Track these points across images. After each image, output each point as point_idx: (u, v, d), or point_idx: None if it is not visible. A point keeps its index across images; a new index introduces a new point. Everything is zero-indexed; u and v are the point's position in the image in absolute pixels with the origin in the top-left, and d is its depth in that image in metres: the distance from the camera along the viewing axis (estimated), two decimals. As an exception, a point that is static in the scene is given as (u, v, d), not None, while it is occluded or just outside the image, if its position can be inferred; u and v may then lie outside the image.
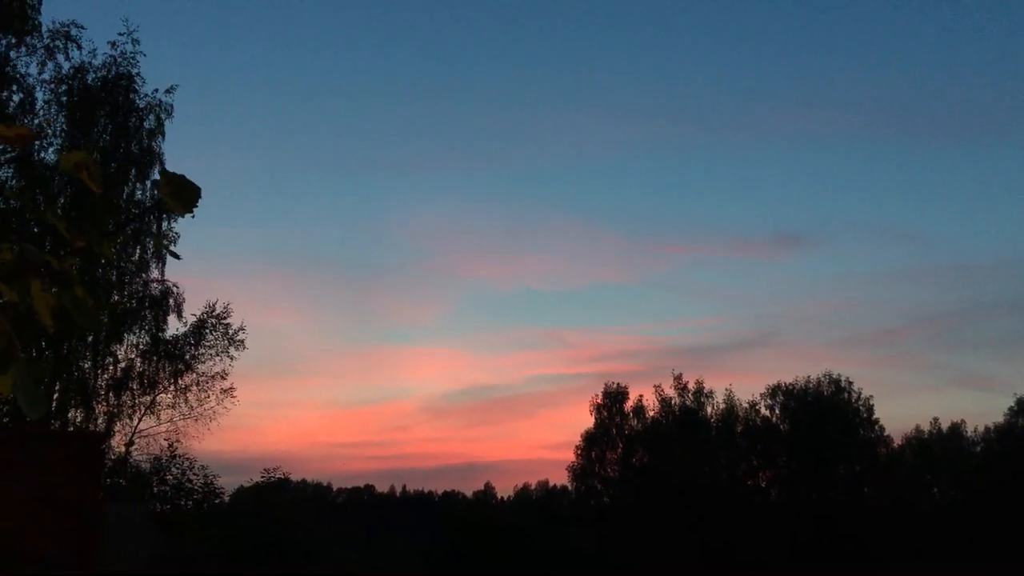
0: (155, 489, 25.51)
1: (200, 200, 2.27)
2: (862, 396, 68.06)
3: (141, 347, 26.41)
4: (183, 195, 2.28)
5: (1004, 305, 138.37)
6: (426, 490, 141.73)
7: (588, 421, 69.48)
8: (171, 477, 25.85)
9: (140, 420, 26.53)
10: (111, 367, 25.99)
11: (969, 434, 75.13)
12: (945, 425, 75.40)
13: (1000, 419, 71.18)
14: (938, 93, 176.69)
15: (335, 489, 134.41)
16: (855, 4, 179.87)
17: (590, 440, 68.60)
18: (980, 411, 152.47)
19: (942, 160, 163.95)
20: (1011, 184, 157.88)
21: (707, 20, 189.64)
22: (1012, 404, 69.47)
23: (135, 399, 26.34)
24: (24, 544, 8.93)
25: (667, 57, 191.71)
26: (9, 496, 9.20)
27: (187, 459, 26.27)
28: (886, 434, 69.46)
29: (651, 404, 68.27)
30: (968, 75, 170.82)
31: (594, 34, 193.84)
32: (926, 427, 75.68)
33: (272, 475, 29.88)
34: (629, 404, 69.03)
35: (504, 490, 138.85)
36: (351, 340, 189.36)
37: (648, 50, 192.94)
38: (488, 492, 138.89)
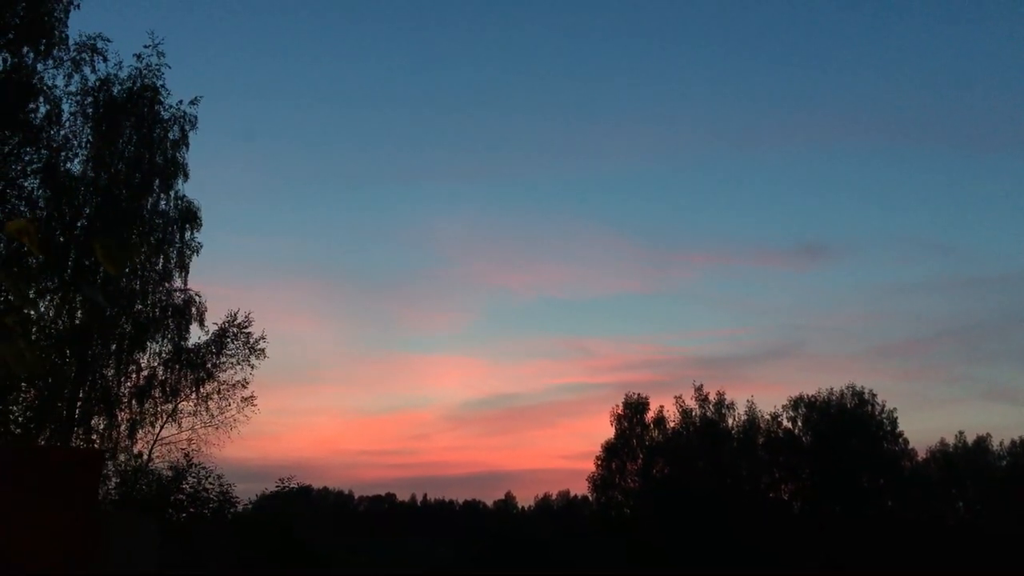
0: (171, 498, 25.71)
1: (131, 260, 2.41)
2: (886, 409, 67.59)
3: (164, 355, 26.69)
4: (116, 256, 2.41)
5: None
6: (447, 499, 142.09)
7: (609, 431, 69.53)
8: (187, 486, 26.06)
9: (162, 428, 26.82)
10: (134, 375, 26.30)
11: (995, 448, 74.37)
12: (971, 438, 74.69)
13: (1026, 432, 70.31)
14: (965, 103, 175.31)
15: (356, 497, 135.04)
16: (885, 14, 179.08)
17: (610, 451, 68.52)
18: (1007, 424, 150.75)
19: (969, 170, 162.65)
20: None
21: (732, 31, 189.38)
22: (1038, 418, 68.62)
23: (157, 407, 26.62)
24: (11, 567, 8.99)
25: (690, 68, 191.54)
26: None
27: (203, 468, 26.50)
28: (910, 447, 68.96)
29: (672, 415, 68.19)
30: (996, 85, 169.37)
31: (617, 45, 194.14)
32: (951, 440, 75.03)
33: (287, 484, 30.03)
34: (650, 415, 69.00)
35: (525, 500, 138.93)
36: (372, 348, 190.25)
37: (671, 61, 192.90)
38: (509, 502, 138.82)
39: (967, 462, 72.47)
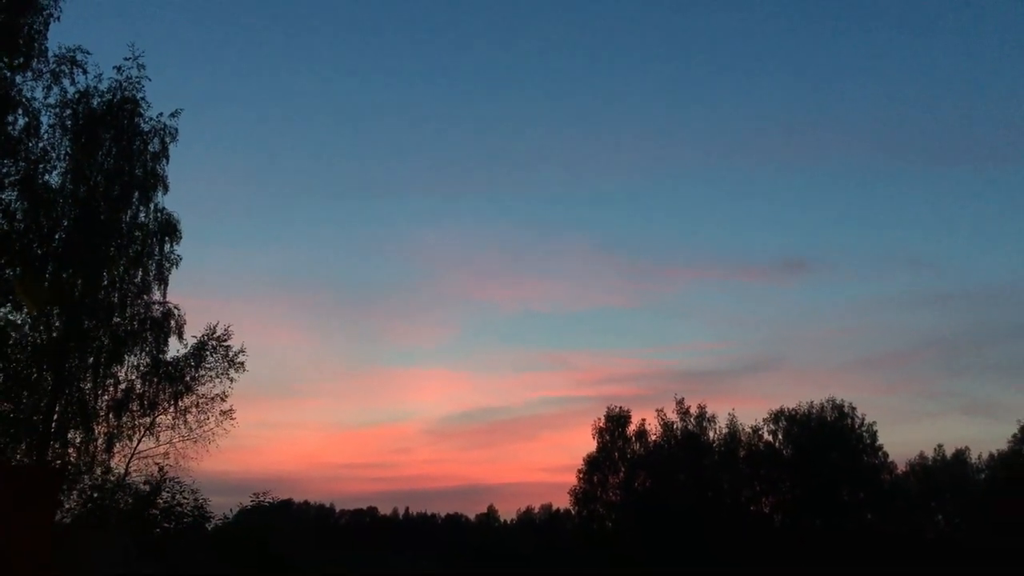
0: (146, 512, 25.55)
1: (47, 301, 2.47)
2: (865, 422, 68.04)
3: (142, 368, 26.52)
4: (35, 295, 2.49)
5: (1010, 331, 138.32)
6: (429, 512, 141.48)
7: (591, 444, 69.55)
8: (161, 501, 25.91)
9: (139, 442, 26.66)
10: (111, 388, 26.11)
11: (974, 461, 74.91)
12: (949, 452, 75.25)
13: (1004, 446, 70.88)
14: (944, 121, 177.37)
15: (338, 511, 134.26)
16: (863, 33, 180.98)
17: (592, 464, 68.57)
18: (985, 437, 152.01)
19: (948, 186, 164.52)
20: (1019, 212, 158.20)
21: (715, 49, 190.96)
22: (1016, 431, 69.17)
23: (135, 420, 26.43)
24: None
25: (677, 85, 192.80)
26: None
27: (177, 482, 26.36)
28: (890, 460, 69.39)
29: (653, 428, 68.35)
30: (975, 104, 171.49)
31: (603, 62, 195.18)
32: (930, 454, 75.55)
33: (262, 499, 29.90)
34: (632, 428, 69.10)
35: (507, 513, 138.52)
36: (354, 361, 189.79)
37: (657, 78, 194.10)
38: (491, 515, 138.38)
39: (946, 476, 72.97)
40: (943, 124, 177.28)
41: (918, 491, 71.96)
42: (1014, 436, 69.33)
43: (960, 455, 74.88)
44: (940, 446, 75.55)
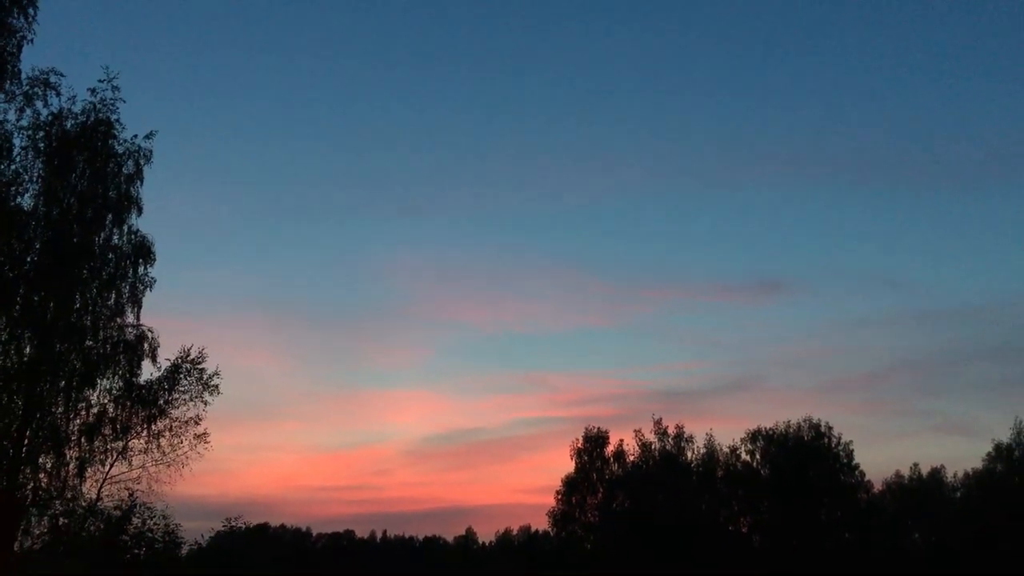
0: (116, 539, 25.16)
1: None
2: (842, 441, 68.32)
3: (114, 392, 26.14)
4: None
5: (984, 351, 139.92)
6: (407, 535, 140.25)
7: (569, 465, 69.22)
8: (132, 527, 25.54)
9: (112, 466, 26.26)
10: (84, 412, 25.73)
11: (949, 479, 75.44)
12: (925, 470, 75.74)
13: (979, 465, 71.42)
14: (920, 146, 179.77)
15: (315, 535, 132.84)
16: (840, 60, 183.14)
17: (571, 485, 68.27)
18: (960, 456, 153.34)
19: (923, 209, 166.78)
20: (991, 232, 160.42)
21: (692, 73, 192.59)
22: (990, 450, 69.71)
23: (107, 445, 26.04)
24: None
25: (653, 108, 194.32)
26: None
27: (148, 507, 26.00)
28: (867, 479, 69.74)
29: (631, 448, 68.23)
30: (949, 128, 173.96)
31: (580, 86, 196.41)
32: (906, 472, 75.97)
33: (234, 524, 29.54)
34: (610, 449, 68.91)
35: (486, 535, 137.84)
36: (331, 383, 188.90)
37: (633, 101, 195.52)
38: (470, 538, 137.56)
39: (922, 494, 73.38)
40: (919, 148, 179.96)
41: (895, 509, 72.28)
42: (988, 454, 69.94)
43: (936, 474, 75.42)
44: (916, 465, 76.16)
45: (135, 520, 25.66)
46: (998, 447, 69.14)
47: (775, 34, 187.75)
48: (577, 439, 69.23)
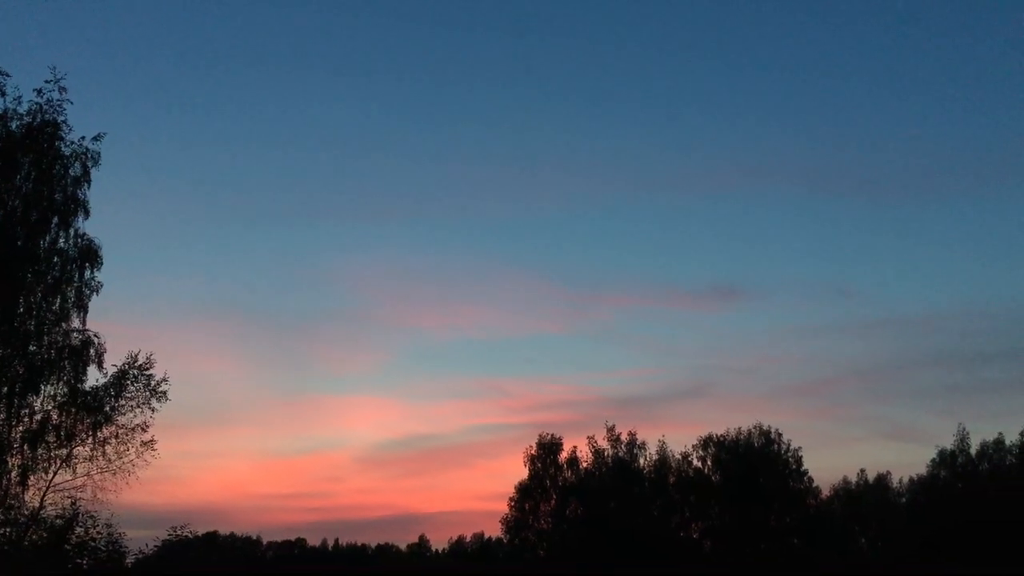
0: (60, 548, 24.66)
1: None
2: (791, 447, 69.14)
3: (59, 398, 25.63)
4: None
5: (930, 358, 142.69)
6: (359, 543, 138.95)
7: (523, 472, 69.13)
8: (74, 536, 25.06)
9: (55, 474, 25.74)
10: (26, 419, 25.19)
11: (895, 485, 76.80)
12: (872, 476, 77.01)
13: (924, 471, 72.78)
14: (871, 160, 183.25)
15: (265, 543, 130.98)
16: (793, 67, 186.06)
17: (524, 492, 68.22)
18: (906, 462, 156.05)
19: (875, 220, 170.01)
20: (938, 244, 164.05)
21: (651, 82, 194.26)
22: (935, 456, 71.10)
23: (51, 452, 25.53)
24: None
25: (610, 117, 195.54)
26: None
27: (91, 516, 25.53)
28: (815, 485, 70.69)
29: (585, 455, 68.36)
30: (901, 141, 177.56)
31: (539, 93, 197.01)
32: (853, 478, 77.18)
33: (180, 532, 29.12)
34: (564, 455, 68.95)
35: (439, 543, 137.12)
36: (284, 388, 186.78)
37: (591, 109, 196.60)
38: (423, 545, 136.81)
39: (869, 500, 74.59)
40: (870, 162, 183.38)
41: (842, 515, 73.36)
42: (933, 461, 71.30)
43: (882, 479, 76.77)
44: (863, 471, 77.43)
45: (78, 529, 25.15)
46: (942, 453, 70.57)
47: (732, 43, 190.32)
48: (531, 446, 69.29)
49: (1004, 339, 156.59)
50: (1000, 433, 70.07)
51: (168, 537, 28.76)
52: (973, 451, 70.11)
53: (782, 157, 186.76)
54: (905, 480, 76.20)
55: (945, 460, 70.40)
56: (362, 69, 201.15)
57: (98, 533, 25.38)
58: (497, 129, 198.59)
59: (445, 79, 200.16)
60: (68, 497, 25.62)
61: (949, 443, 70.54)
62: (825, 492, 73.38)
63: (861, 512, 73.91)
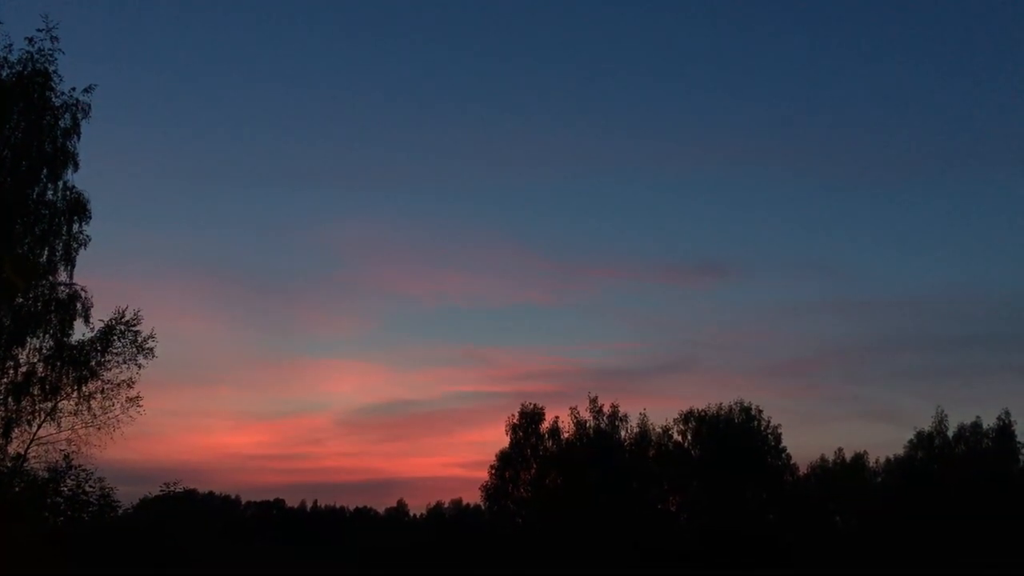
0: (48, 501, 24.63)
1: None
2: (771, 424, 69.68)
3: (44, 352, 25.50)
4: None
5: (910, 340, 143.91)
6: (338, 505, 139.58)
7: (504, 440, 69.43)
8: (66, 489, 25.01)
9: (40, 427, 25.65)
10: (11, 371, 25.07)
11: (871, 465, 77.53)
12: (849, 455, 77.66)
13: (901, 451, 73.50)
14: (858, 137, 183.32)
15: (244, 503, 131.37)
16: (782, 47, 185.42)
17: (504, 460, 68.54)
18: (884, 442, 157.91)
19: (860, 200, 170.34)
20: (922, 226, 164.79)
21: (642, 57, 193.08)
22: (912, 437, 71.76)
23: (35, 405, 25.44)
24: None
25: (602, 87, 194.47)
26: None
27: (83, 470, 25.48)
28: (792, 462, 71.35)
29: (567, 426, 68.64)
30: (887, 122, 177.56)
31: (529, 61, 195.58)
32: (831, 457, 77.83)
33: (172, 488, 29.15)
34: (545, 425, 69.26)
35: (417, 508, 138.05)
36: (268, 349, 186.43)
37: (583, 78, 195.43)
38: (401, 509, 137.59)
39: (845, 478, 75.32)
40: (856, 140, 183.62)
41: (819, 493, 74.09)
42: (910, 442, 71.96)
43: (859, 459, 77.38)
44: (840, 450, 77.96)
45: (69, 482, 25.11)
46: (919, 435, 71.20)
47: (720, 22, 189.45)
48: (513, 415, 69.49)
49: (984, 323, 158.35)
50: (978, 417, 70.84)
51: (160, 492, 28.73)
52: (950, 434, 70.87)
53: (770, 136, 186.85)
54: (882, 460, 77.02)
55: (922, 442, 71.06)
56: (351, 32, 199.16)
57: (90, 487, 25.36)
58: (486, 96, 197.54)
59: (433, 45, 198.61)
60: (60, 449, 25.58)
61: (927, 425, 71.31)
62: (803, 470, 74.13)
63: (837, 491, 74.62)
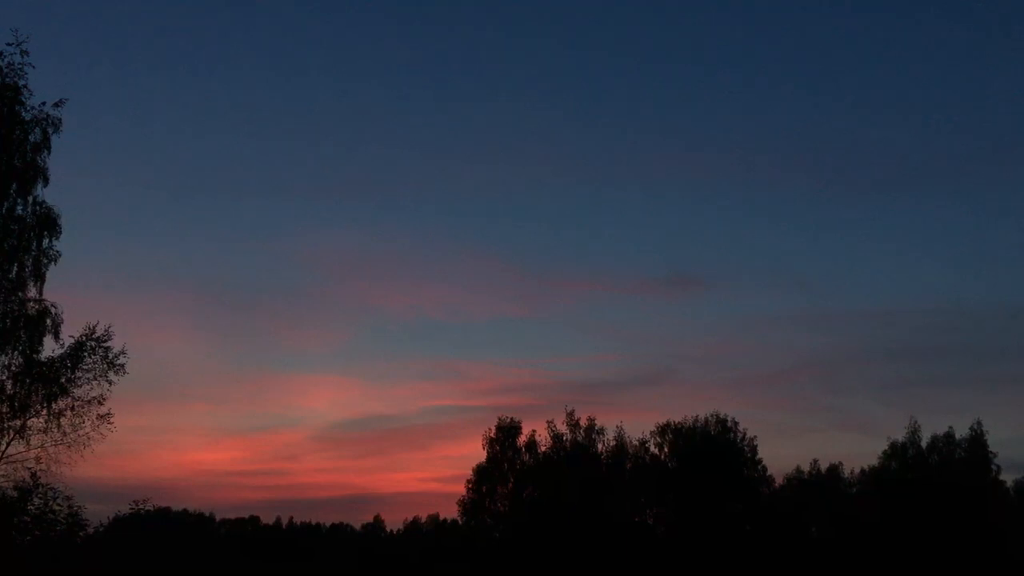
0: (15, 520, 24.26)
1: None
2: (747, 436, 69.95)
3: (14, 368, 25.18)
4: None
5: (885, 352, 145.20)
6: (314, 522, 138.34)
7: (481, 454, 69.19)
8: (32, 507, 24.67)
9: (8, 445, 25.28)
10: (-21, 388, 24.74)
11: (846, 475, 78.01)
12: (824, 466, 78.13)
13: (875, 462, 73.96)
14: (834, 151, 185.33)
15: (218, 519, 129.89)
16: (756, 57, 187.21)
17: (481, 474, 68.33)
18: (859, 452, 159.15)
19: (834, 213, 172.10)
20: (896, 239, 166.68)
21: (613, 68, 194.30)
22: (886, 447, 72.22)
23: (4, 423, 25.09)
24: None
25: (571, 99, 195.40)
26: None
27: (51, 488, 25.14)
28: (768, 474, 71.66)
29: (543, 439, 68.55)
30: (862, 136, 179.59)
31: (499, 76, 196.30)
32: (806, 468, 78.26)
33: (142, 506, 28.81)
34: (522, 439, 69.10)
35: (394, 523, 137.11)
36: (242, 364, 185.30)
37: (552, 92, 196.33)
38: (378, 525, 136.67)
39: (820, 489, 75.72)
40: (831, 155, 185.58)
41: (794, 504, 74.38)
42: (884, 452, 72.41)
43: (834, 470, 77.89)
44: (816, 461, 78.47)
45: (36, 500, 24.76)
46: (893, 445, 71.65)
47: (695, 33, 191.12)
48: (490, 428, 69.31)
49: (957, 335, 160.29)
50: (950, 427, 71.45)
51: (131, 510, 28.42)
52: (924, 444, 71.35)
53: (746, 149, 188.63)
54: (857, 471, 77.48)
55: (896, 452, 71.48)
56: (331, 48, 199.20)
57: (58, 506, 25.01)
58: (461, 111, 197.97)
59: (407, 59, 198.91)
60: (27, 468, 25.22)
61: (901, 436, 71.79)
62: (779, 481, 74.47)
63: (812, 502, 74.95)
